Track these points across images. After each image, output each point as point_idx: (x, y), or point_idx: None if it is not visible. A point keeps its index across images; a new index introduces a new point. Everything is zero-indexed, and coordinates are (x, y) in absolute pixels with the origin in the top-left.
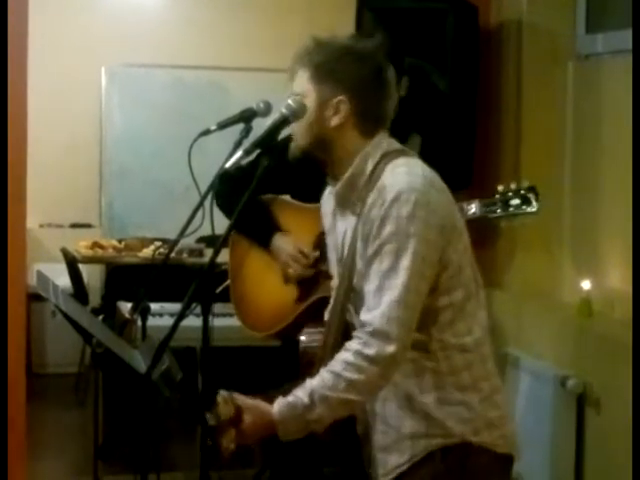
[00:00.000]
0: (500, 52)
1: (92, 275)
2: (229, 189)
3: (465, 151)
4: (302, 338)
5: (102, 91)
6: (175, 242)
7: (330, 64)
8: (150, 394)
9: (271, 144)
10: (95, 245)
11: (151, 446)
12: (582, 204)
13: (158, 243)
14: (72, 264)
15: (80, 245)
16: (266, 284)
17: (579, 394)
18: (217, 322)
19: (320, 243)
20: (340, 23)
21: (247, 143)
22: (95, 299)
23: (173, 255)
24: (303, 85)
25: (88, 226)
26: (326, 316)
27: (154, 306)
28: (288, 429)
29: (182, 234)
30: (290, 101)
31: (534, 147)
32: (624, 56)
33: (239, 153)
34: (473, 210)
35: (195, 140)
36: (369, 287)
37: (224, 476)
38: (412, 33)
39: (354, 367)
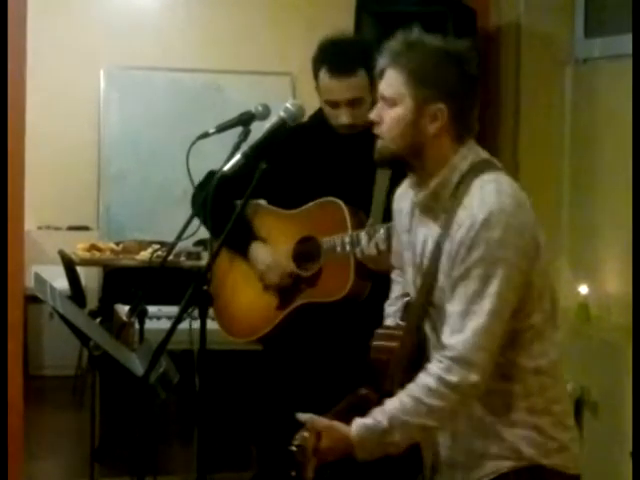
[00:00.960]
0: (499, 56)
1: (90, 277)
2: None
3: None
4: (374, 343)
5: (100, 93)
6: (173, 245)
7: (429, 68)
8: (147, 397)
9: (269, 148)
10: (93, 247)
11: (148, 449)
12: (580, 208)
13: (156, 246)
14: (70, 266)
15: (78, 247)
16: (247, 290)
17: (577, 398)
18: (215, 325)
19: (299, 250)
20: (339, 27)
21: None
22: (93, 302)
23: (171, 258)
24: (395, 88)
25: (86, 228)
26: (388, 319)
27: (151, 309)
28: (365, 451)
29: (180, 237)
30: (288, 104)
31: (532, 150)
32: (622, 60)
33: (237, 156)
34: None
35: (193, 143)
36: (453, 309)
37: (221, 479)
38: None
39: (436, 394)
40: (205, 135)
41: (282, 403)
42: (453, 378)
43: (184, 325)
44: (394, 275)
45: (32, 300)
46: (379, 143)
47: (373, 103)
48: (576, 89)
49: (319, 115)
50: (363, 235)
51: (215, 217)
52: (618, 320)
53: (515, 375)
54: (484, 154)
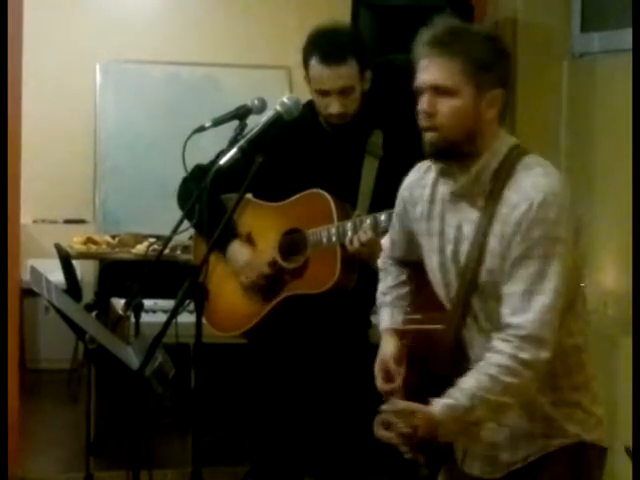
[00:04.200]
0: None
1: (86, 271)
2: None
3: None
4: (409, 328)
5: (96, 87)
6: (169, 238)
7: (485, 54)
8: (143, 390)
9: (264, 141)
10: (89, 241)
11: (143, 442)
12: (576, 202)
13: (152, 239)
14: (66, 260)
15: (74, 241)
16: (233, 283)
17: None
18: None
19: (285, 242)
20: (335, 20)
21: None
22: (88, 295)
23: (166, 252)
24: (453, 78)
25: (82, 222)
26: (386, 308)
27: (147, 302)
28: (448, 430)
29: (175, 231)
30: (285, 98)
31: (528, 145)
32: (619, 55)
33: (234, 150)
34: None
35: (189, 137)
36: (513, 289)
37: (216, 473)
38: (408, 30)
39: (510, 371)
40: (201, 129)
41: (270, 396)
42: (526, 355)
43: (180, 318)
44: (384, 264)
45: (28, 293)
46: (432, 136)
47: (363, 92)
48: (573, 84)
49: (306, 108)
50: (349, 226)
51: (208, 212)
52: (615, 314)
53: (557, 354)
54: (514, 138)
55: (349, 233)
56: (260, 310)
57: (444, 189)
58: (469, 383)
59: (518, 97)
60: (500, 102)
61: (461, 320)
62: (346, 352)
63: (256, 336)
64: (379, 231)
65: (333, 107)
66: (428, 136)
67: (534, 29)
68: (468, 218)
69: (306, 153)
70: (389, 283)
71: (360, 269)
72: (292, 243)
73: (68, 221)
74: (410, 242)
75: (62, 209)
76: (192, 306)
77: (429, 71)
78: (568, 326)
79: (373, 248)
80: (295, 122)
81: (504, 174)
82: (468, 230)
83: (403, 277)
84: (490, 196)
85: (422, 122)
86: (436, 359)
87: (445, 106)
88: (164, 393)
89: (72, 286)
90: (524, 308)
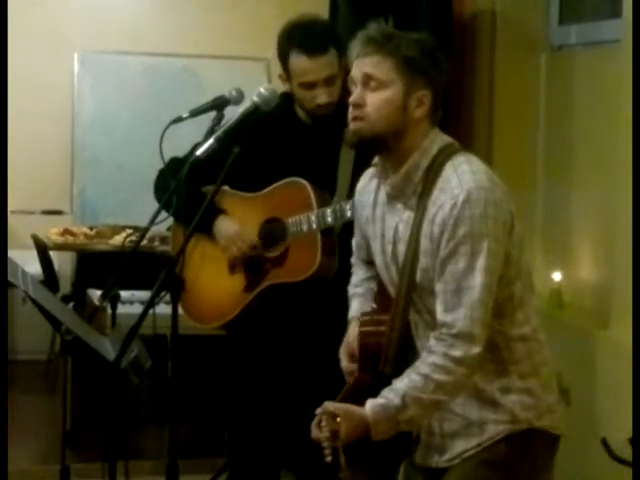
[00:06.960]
0: (473, 42)
1: (63, 262)
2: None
3: None
4: (362, 329)
5: (74, 78)
6: (146, 230)
7: (417, 56)
8: (119, 382)
9: (241, 132)
10: (66, 232)
11: (119, 434)
12: (554, 195)
13: (129, 230)
14: (43, 251)
15: (51, 232)
16: (211, 274)
17: None
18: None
19: (264, 232)
20: (314, 11)
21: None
22: (66, 286)
23: (144, 243)
24: (385, 72)
25: (59, 213)
26: (356, 299)
27: (124, 294)
28: (381, 430)
29: (153, 222)
30: (262, 89)
31: (506, 137)
32: (597, 47)
33: (210, 141)
34: None
35: (167, 127)
36: (445, 287)
37: (192, 465)
38: (386, 21)
39: (443, 369)
40: (179, 120)
41: (250, 388)
42: (457, 353)
43: (157, 310)
44: (355, 260)
45: None
46: (357, 125)
47: (344, 82)
48: (551, 76)
49: (282, 99)
50: (329, 212)
51: (186, 202)
52: (591, 306)
53: (502, 343)
54: (448, 139)
55: (329, 219)
56: (241, 300)
57: (383, 193)
58: (402, 383)
59: (496, 89)
60: (429, 103)
61: (405, 318)
62: (326, 343)
63: (236, 327)
64: None
65: (321, 97)
66: (353, 125)
67: (512, 21)
68: (403, 219)
69: (283, 144)
70: (360, 277)
71: (340, 258)
72: (271, 232)
73: (45, 212)
74: (367, 244)
75: (39, 200)
76: (169, 297)
77: (361, 65)
78: (512, 317)
79: None
80: (272, 113)
81: (434, 173)
82: (403, 230)
83: (370, 273)
84: (421, 196)
85: (350, 113)
86: (384, 358)
87: (374, 98)
88: (141, 384)
89: (49, 277)
90: (454, 306)
